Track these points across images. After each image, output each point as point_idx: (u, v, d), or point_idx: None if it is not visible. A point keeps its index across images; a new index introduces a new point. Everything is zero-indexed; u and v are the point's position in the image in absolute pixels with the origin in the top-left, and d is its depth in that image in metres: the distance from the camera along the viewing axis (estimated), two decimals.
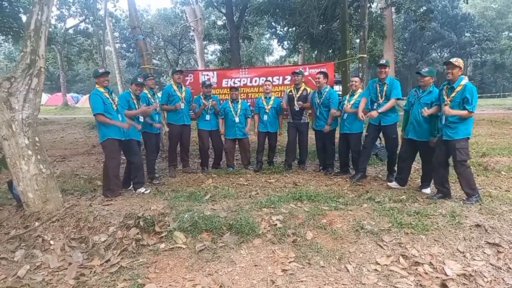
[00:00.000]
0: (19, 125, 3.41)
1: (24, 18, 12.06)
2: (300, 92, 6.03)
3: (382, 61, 5.15)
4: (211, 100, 6.08)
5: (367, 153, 5.44)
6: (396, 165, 5.17)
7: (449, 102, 4.04)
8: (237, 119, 6.18)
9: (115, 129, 4.53)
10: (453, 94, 4.03)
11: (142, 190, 4.95)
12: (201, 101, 6.12)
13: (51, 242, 3.21)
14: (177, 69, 6.29)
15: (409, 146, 4.78)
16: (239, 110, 6.20)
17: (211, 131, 6.25)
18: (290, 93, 6.13)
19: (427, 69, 4.65)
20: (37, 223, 3.37)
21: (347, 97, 5.65)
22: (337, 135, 6.08)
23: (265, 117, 6.23)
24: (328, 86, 5.98)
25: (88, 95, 30.67)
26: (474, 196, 3.98)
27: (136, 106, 5.08)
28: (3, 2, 11.55)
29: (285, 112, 6.31)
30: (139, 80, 5.11)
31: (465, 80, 4.00)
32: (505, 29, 44.61)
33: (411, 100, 4.76)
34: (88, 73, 41.30)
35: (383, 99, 5.11)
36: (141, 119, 5.16)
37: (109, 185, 4.61)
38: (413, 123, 4.64)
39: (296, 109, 6.04)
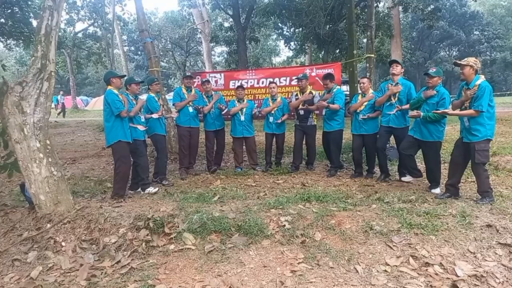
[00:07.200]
0: (30, 129, 3.47)
1: (34, 23, 12.22)
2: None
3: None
4: (219, 93, 6.43)
5: (384, 154, 5.44)
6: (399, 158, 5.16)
7: (468, 105, 3.97)
8: (242, 118, 6.25)
9: (123, 132, 4.57)
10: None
11: (151, 189, 4.99)
12: (204, 99, 6.18)
13: (63, 243, 3.25)
14: (187, 74, 6.47)
15: (412, 142, 4.71)
16: (245, 109, 6.26)
17: (217, 131, 6.33)
18: (297, 97, 6.13)
19: (434, 70, 4.58)
20: (49, 225, 3.42)
21: (359, 97, 5.60)
22: (346, 135, 6.06)
23: (272, 119, 6.25)
24: (337, 86, 5.98)
25: (97, 98, 31.05)
26: (488, 197, 3.93)
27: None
28: (14, 8, 11.73)
29: (292, 113, 6.32)
30: (136, 79, 5.20)
31: (480, 80, 3.89)
32: None
33: None
34: (98, 76, 41.67)
35: (395, 99, 5.11)
36: (143, 118, 5.14)
37: (118, 188, 4.65)
38: (419, 123, 4.60)
39: (300, 113, 6.06)
